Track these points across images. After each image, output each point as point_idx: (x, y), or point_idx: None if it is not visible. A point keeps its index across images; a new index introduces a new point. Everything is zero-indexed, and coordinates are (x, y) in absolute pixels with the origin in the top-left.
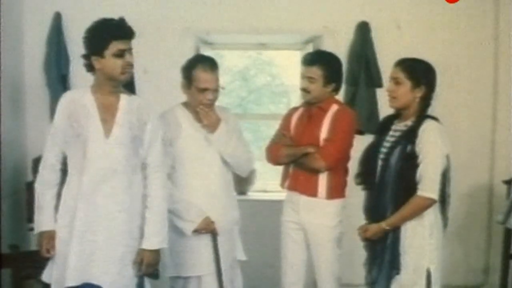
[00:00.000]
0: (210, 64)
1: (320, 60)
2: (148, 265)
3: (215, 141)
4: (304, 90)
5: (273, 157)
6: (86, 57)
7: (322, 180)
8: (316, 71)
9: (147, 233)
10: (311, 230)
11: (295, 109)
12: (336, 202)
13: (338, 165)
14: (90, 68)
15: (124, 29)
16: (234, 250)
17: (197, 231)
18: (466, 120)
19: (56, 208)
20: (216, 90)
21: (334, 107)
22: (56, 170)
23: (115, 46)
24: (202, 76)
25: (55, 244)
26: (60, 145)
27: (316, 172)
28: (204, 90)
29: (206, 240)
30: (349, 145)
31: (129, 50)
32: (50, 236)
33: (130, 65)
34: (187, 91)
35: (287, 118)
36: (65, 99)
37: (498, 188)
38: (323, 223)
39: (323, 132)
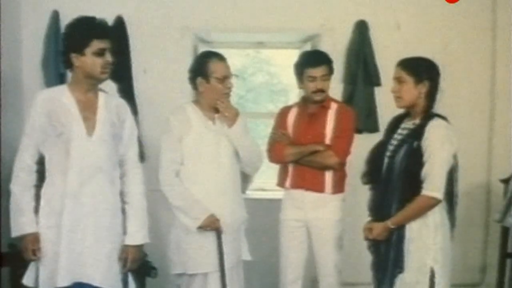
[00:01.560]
0: (221, 55)
1: (326, 58)
2: (133, 261)
3: (234, 134)
4: (322, 91)
5: (277, 156)
6: (64, 53)
7: (328, 175)
8: (326, 70)
9: (130, 230)
10: (317, 226)
11: (288, 108)
12: (339, 196)
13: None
14: (67, 65)
15: (105, 28)
16: (240, 249)
17: (201, 228)
18: (464, 119)
19: (35, 210)
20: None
21: (334, 105)
22: (32, 171)
23: (96, 44)
24: (219, 66)
25: (44, 244)
26: (37, 145)
27: (328, 169)
28: (225, 78)
29: (211, 237)
30: (353, 139)
31: (109, 49)
32: (35, 238)
33: (110, 64)
34: (205, 86)
35: (282, 117)
36: (42, 97)
37: (496, 186)
38: (330, 218)
39: (329, 130)
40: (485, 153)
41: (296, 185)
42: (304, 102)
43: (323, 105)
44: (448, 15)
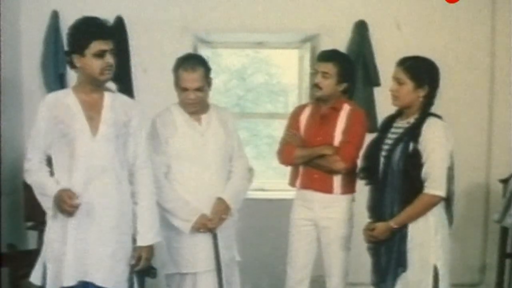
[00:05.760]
0: (192, 64)
1: (336, 57)
2: (145, 260)
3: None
4: (317, 86)
5: (287, 158)
6: (68, 54)
7: (337, 177)
8: (332, 68)
9: (141, 230)
10: (325, 226)
11: (302, 107)
12: (349, 196)
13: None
14: (72, 65)
15: (105, 29)
16: (231, 248)
17: (194, 230)
18: (463, 119)
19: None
20: (198, 90)
21: (347, 107)
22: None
23: (96, 46)
24: (183, 75)
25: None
26: (43, 147)
27: (334, 173)
28: (185, 89)
29: (202, 237)
30: (363, 144)
31: (110, 50)
32: (69, 191)
33: (110, 66)
34: (176, 90)
35: (295, 117)
36: (48, 101)
37: (495, 187)
38: (339, 217)
39: (338, 133)
40: (484, 153)
41: (305, 186)
42: (317, 101)
43: (335, 106)
44: (448, 15)
